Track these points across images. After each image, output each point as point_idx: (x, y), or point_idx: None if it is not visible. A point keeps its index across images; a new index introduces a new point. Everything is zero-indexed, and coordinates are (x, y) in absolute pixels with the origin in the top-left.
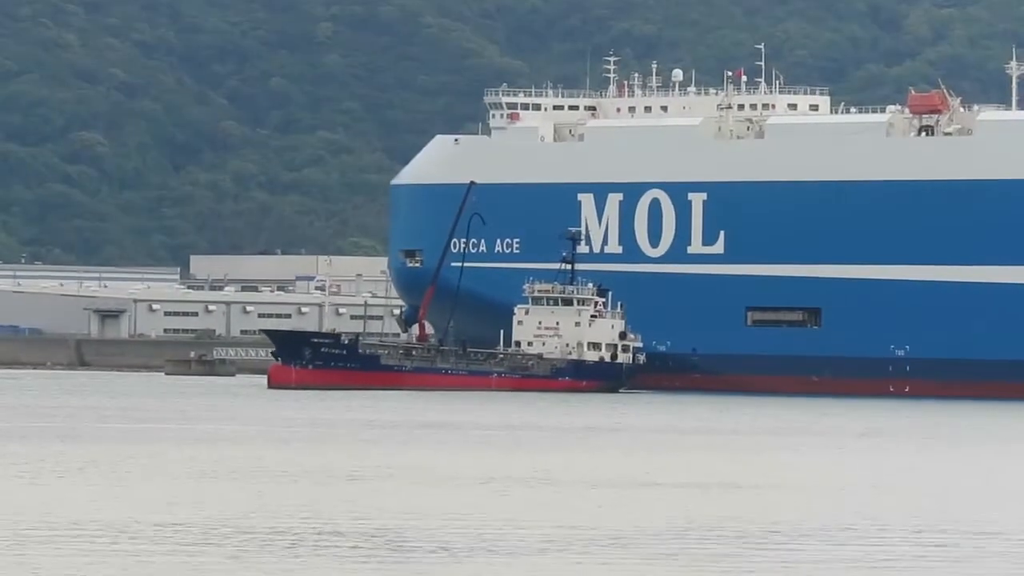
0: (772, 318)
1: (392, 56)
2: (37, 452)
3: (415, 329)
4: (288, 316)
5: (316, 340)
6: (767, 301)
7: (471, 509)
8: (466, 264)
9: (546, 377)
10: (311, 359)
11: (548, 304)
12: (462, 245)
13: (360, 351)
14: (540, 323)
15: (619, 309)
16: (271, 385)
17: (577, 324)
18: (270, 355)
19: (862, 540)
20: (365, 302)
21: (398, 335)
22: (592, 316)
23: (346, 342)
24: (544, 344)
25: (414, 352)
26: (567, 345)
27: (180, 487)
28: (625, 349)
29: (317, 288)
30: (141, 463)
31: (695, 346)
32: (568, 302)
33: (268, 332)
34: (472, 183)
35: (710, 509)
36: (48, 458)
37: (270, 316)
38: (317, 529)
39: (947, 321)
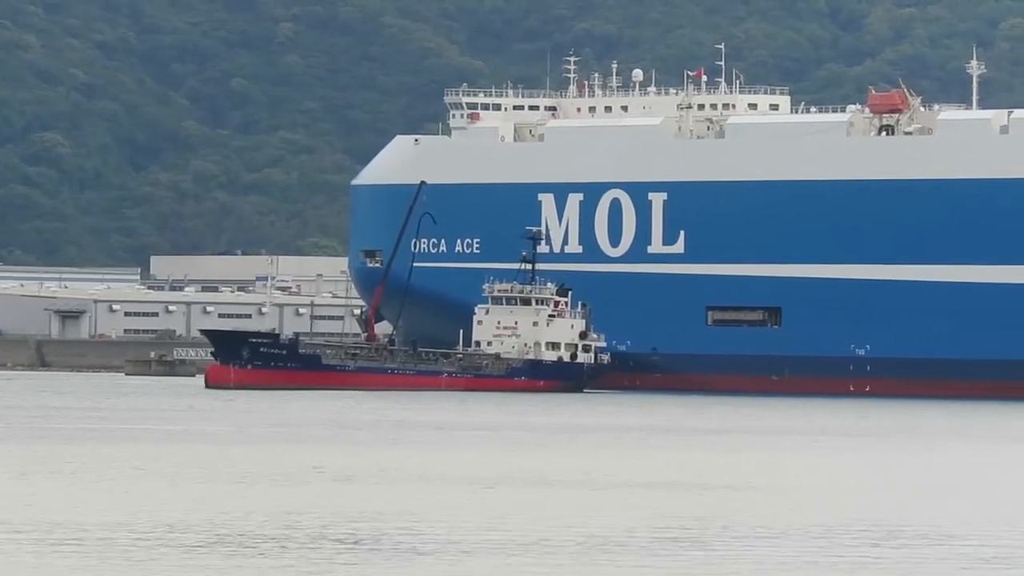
0: (733, 317)
1: (352, 56)
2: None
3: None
4: (248, 316)
5: (254, 340)
6: (727, 300)
7: (453, 509)
8: (427, 264)
9: (500, 377)
10: (250, 359)
11: (507, 304)
12: (421, 245)
13: (301, 351)
14: (499, 323)
15: (579, 309)
16: (208, 385)
17: (535, 324)
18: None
19: (829, 541)
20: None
21: (359, 335)
22: (550, 316)
23: (286, 341)
24: (502, 344)
25: (360, 352)
26: (525, 345)
27: (161, 488)
28: (586, 349)
29: (277, 288)
30: (121, 463)
31: (655, 346)
32: (527, 302)
33: (205, 332)
34: (423, 183)
35: (693, 510)
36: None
37: (230, 316)
38: (305, 530)
39: (908, 320)
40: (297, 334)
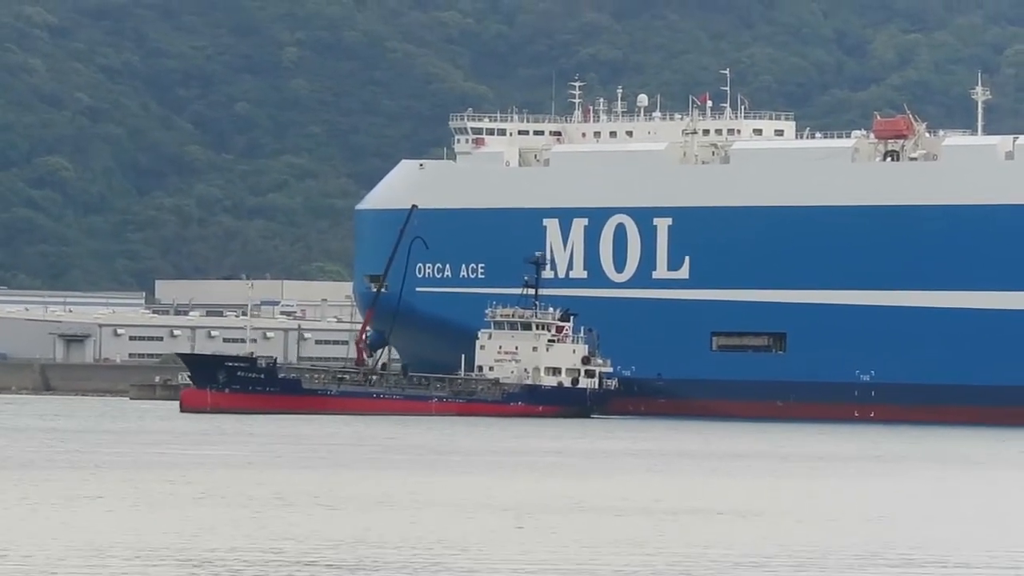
0: (737, 343)
1: (357, 81)
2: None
3: (379, 353)
4: (253, 341)
5: (231, 364)
6: (732, 326)
7: (476, 537)
8: (431, 289)
9: (496, 402)
10: (227, 383)
11: (508, 329)
12: (426, 270)
13: (281, 375)
14: (500, 348)
15: (583, 334)
16: (183, 409)
17: (535, 349)
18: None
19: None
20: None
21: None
22: (550, 341)
23: (263, 365)
24: (503, 369)
25: (346, 376)
26: (524, 370)
27: (189, 513)
28: (590, 374)
29: (283, 313)
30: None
31: (660, 371)
32: (527, 327)
33: (181, 355)
34: (414, 207)
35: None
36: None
37: (235, 341)
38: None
39: (912, 346)
40: (275, 358)
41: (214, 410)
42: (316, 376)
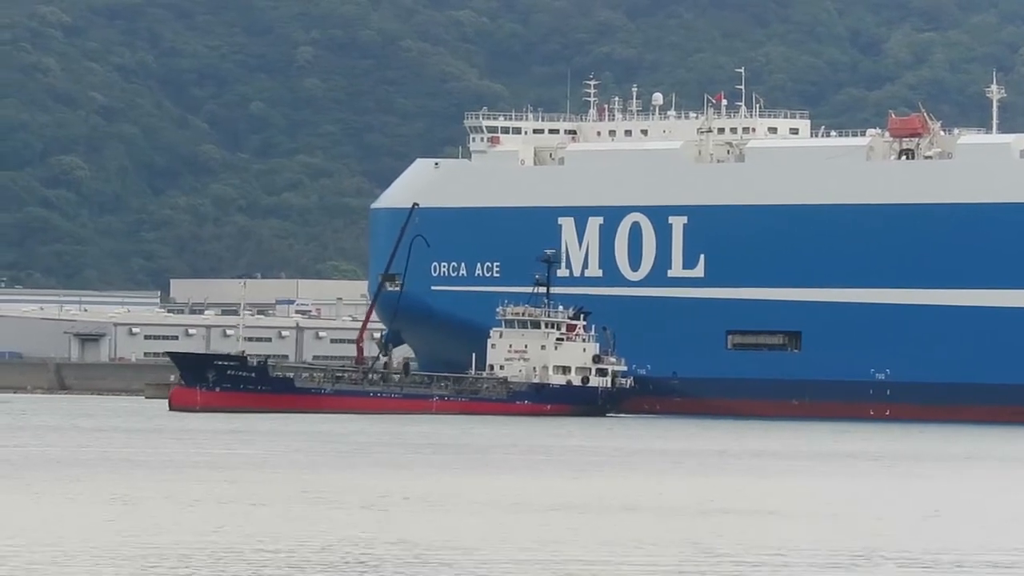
0: (752, 341)
1: (372, 80)
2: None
3: (391, 352)
4: (268, 340)
5: (220, 362)
6: (747, 324)
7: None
8: (446, 287)
9: (501, 400)
10: (217, 381)
11: (519, 327)
12: (441, 268)
13: (272, 374)
14: (511, 346)
15: (593, 331)
16: (172, 408)
17: (543, 347)
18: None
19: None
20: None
21: (378, 358)
22: (559, 339)
23: (254, 364)
24: (512, 367)
25: (344, 375)
26: (533, 368)
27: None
28: (602, 373)
29: (298, 312)
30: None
31: (675, 370)
32: (537, 325)
33: (171, 354)
34: (415, 205)
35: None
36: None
37: (250, 340)
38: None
39: (928, 345)
40: (266, 357)
41: (204, 409)
42: (311, 375)
